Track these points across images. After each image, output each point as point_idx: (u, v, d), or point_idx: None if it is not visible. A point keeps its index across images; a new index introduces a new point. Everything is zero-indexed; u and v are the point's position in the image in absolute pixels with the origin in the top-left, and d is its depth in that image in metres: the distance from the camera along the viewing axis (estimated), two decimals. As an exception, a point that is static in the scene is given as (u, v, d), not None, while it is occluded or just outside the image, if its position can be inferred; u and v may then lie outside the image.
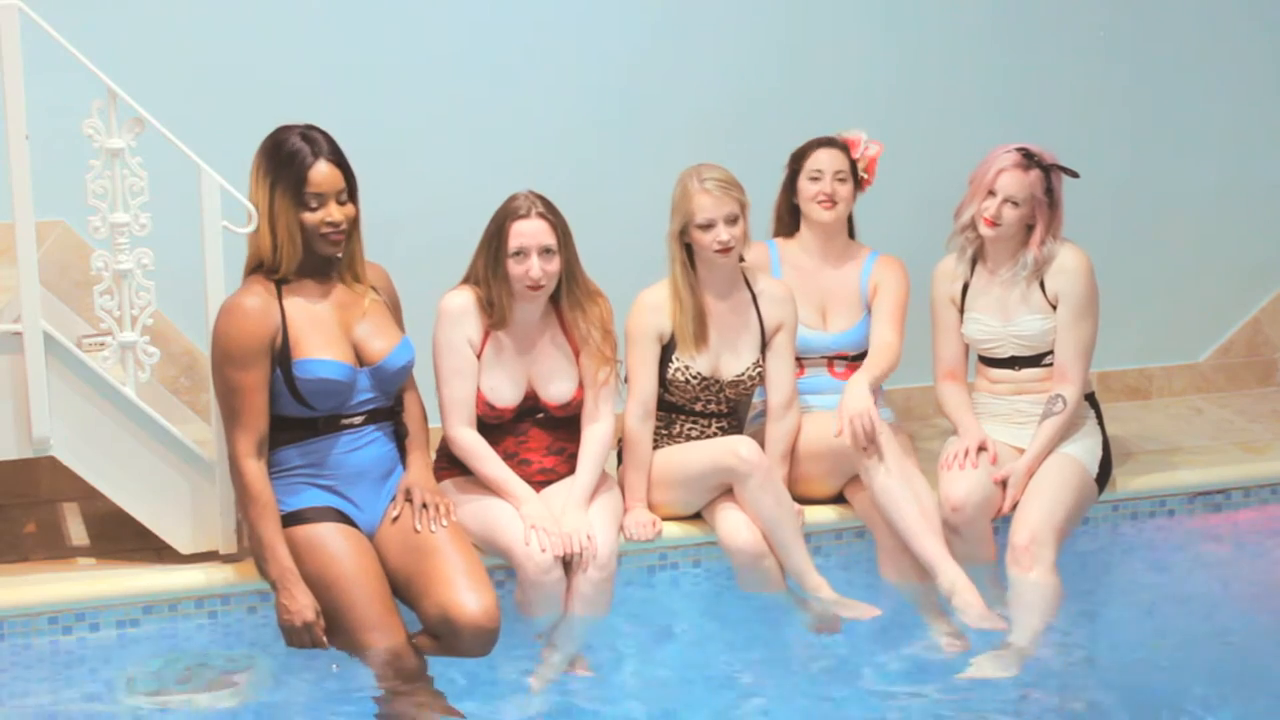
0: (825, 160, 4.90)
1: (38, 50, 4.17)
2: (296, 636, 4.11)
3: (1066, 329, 4.82)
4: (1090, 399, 4.97)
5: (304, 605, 4.10)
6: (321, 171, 4.18)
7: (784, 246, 5.06)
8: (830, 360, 5.01)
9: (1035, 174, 4.75)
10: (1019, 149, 4.77)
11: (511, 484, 4.46)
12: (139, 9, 5.05)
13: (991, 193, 4.77)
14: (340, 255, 4.29)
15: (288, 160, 4.18)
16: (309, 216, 4.20)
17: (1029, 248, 4.80)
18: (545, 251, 4.40)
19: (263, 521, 4.16)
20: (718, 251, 4.59)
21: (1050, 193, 4.78)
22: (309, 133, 4.22)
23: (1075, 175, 4.84)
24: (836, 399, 4.90)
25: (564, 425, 4.60)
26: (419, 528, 4.23)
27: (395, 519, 4.28)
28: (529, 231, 4.39)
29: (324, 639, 4.11)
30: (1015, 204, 4.75)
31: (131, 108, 4.21)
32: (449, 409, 4.48)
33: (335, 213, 4.21)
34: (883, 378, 4.87)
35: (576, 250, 4.51)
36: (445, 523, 4.26)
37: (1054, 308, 4.83)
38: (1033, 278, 4.82)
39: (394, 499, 4.33)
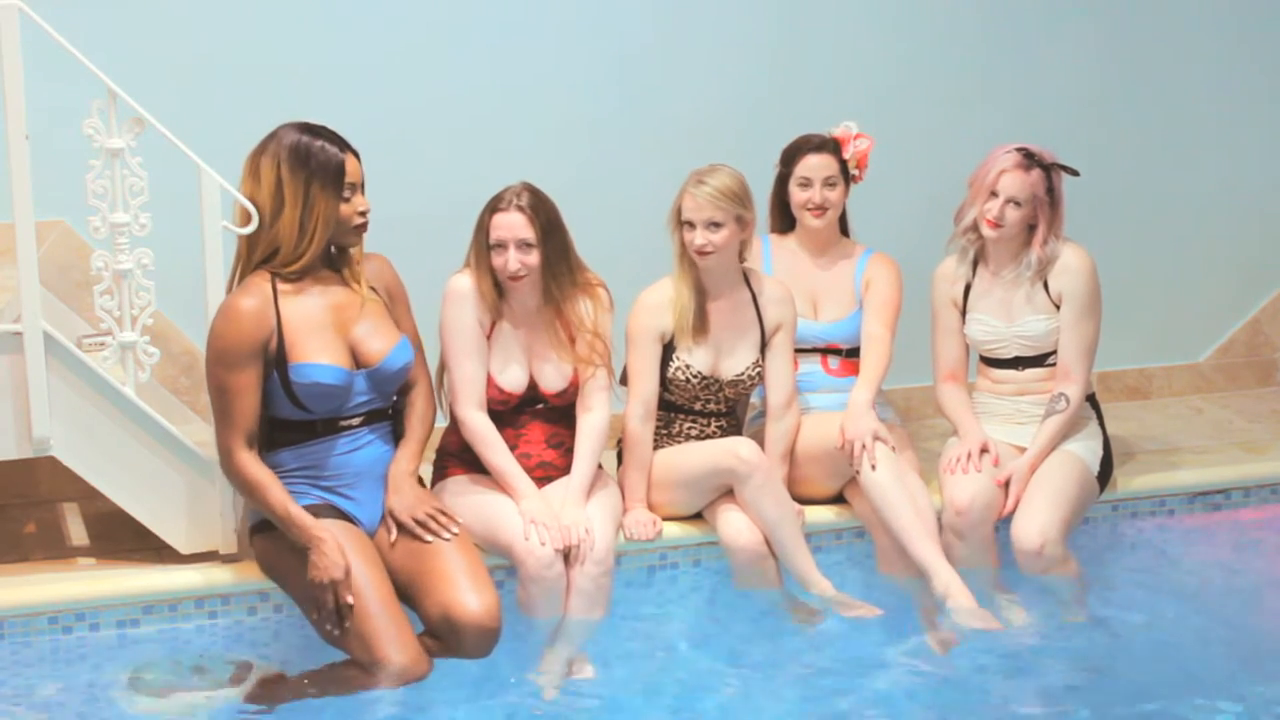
0: (814, 167, 4.89)
1: (38, 50, 4.17)
2: (326, 592, 4.06)
3: (1070, 328, 4.82)
4: (1091, 400, 4.97)
5: (335, 562, 4.07)
6: (353, 162, 4.24)
7: (777, 242, 5.06)
8: (824, 354, 5.01)
9: (1036, 174, 4.75)
10: (1019, 149, 4.77)
11: (515, 478, 4.47)
12: (139, 9, 5.05)
13: (993, 194, 4.77)
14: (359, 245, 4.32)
15: (320, 155, 4.18)
16: (344, 209, 4.22)
17: (1032, 248, 4.80)
18: (523, 245, 4.41)
19: (271, 497, 4.14)
20: (694, 252, 4.60)
21: (1051, 192, 4.78)
22: (320, 128, 4.24)
23: (1075, 174, 4.84)
24: (833, 398, 4.91)
25: (563, 418, 4.60)
26: (429, 539, 4.20)
27: (393, 545, 4.24)
28: (506, 224, 4.42)
29: (348, 597, 4.06)
30: (1017, 204, 4.75)
31: (131, 108, 4.21)
32: (459, 389, 4.48)
33: (364, 201, 4.26)
34: (881, 382, 4.86)
35: (569, 242, 4.51)
36: (456, 530, 4.24)
37: (1057, 307, 4.84)
38: (1036, 278, 4.82)
39: (384, 519, 4.30)
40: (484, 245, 4.45)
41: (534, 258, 4.43)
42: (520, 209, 4.43)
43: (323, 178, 4.18)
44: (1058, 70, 5.89)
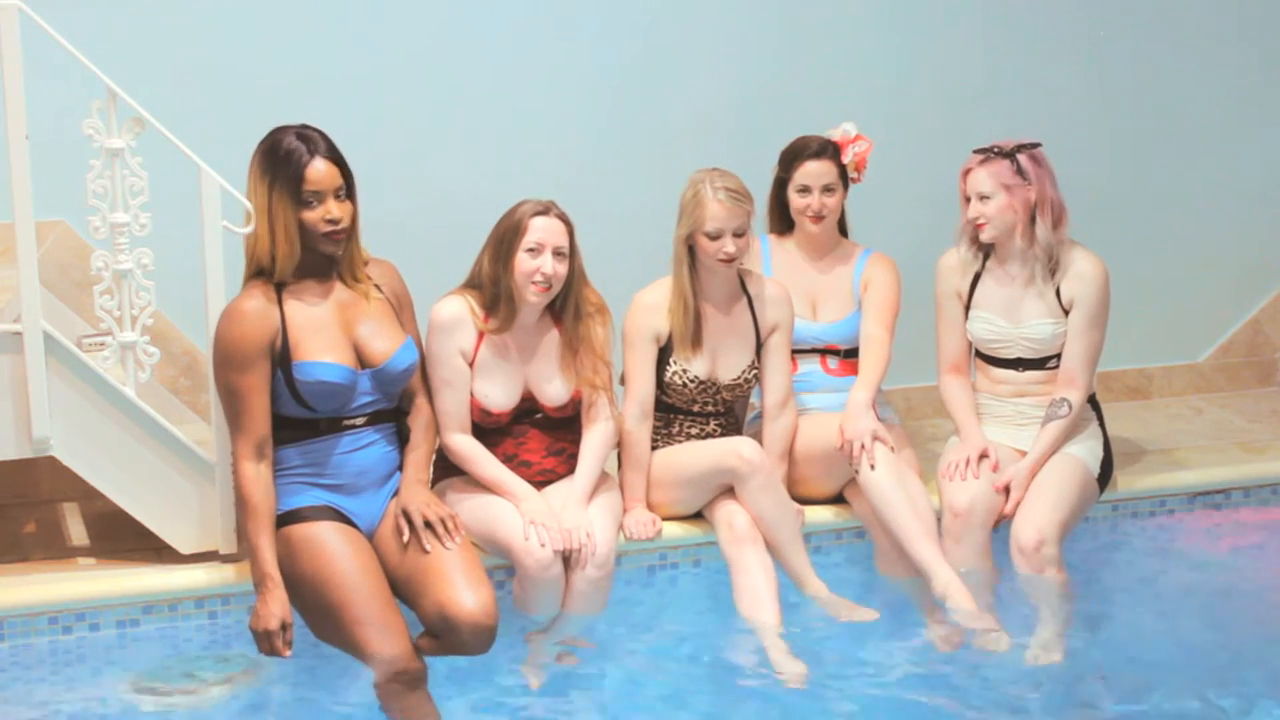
0: (813, 174, 4.88)
1: (38, 50, 4.17)
2: (262, 641, 4.09)
3: (1077, 335, 4.81)
4: (1092, 401, 4.96)
5: (272, 613, 4.06)
6: (319, 169, 4.18)
7: (776, 242, 5.06)
8: (823, 354, 5.01)
9: (998, 164, 4.74)
10: (981, 147, 4.78)
11: (510, 483, 4.46)
12: (139, 9, 5.05)
13: (967, 198, 4.79)
14: (340, 254, 4.28)
15: (285, 159, 4.17)
16: (308, 215, 4.19)
17: (1036, 241, 4.77)
18: (559, 253, 4.40)
19: (250, 524, 4.14)
20: (720, 261, 4.60)
21: (1022, 174, 4.75)
22: (305, 131, 4.22)
23: (1037, 145, 4.80)
24: (832, 398, 4.91)
25: (563, 426, 4.60)
26: (429, 548, 4.19)
27: (406, 544, 4.23)
28: (548, 229, 4.40)
29: (285, 651, 4.07)
30: (986, 197, 4.74)
31: (131, 108, 4.21)
32: (441, 418, 4.48)
33: (334, 209, 4.20)
34: (880, 383, 4.87)
35: (583, 266, 4.51)
36: (458, 539, 4.23)
37: (1066, 313, 4.83)
38: (1046, 268, 4.79)
39: (393, 518, 4.29)
40: (512, 248, 4.39)
41: (565, 268, 4.42)
42: (559, 217, 4.43)
43: (282, 184, 4.16)
44: (1058, 70, 5.90)
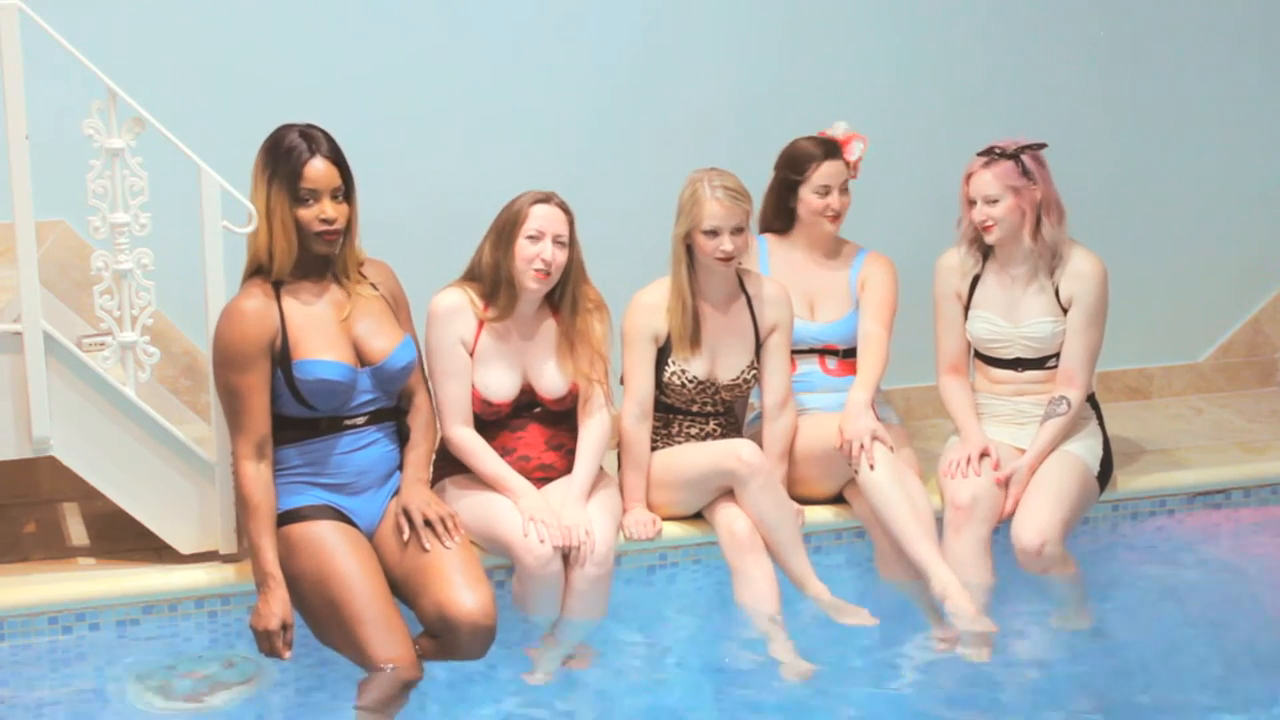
0: (830, 175, 4.89)
1: (38, 50, 4.17)
2: (262, 641, 4.10)
3: (1076, 334, 4.82)
4: (1091, 400, 4.97)
5: (273, 613, 4.08)
6: (317, 168, 4.18)
7: (774, 243, 5.06)
8: (821, 354, 5.01)
9: (1003, 165, 4.74)
10: (982, 150, 4.77)
11: (510, 479, 4.47)
12: (139, 9, 5.05)
13: (972, 201, 4.78)
14: (335, 254, 4.28)
15: (285, 156, 4.18)
16: (303, 213, 4.20)
17: (1042, 240, 4.77)
18: (558, 240, 4.42)
19: (251, 524, 4.15)
20: (718, 259, 4.60)
21: (1027, 174, 4.76)
22: (309, 130, 4.23)
23: (1043, 145, 4.81)
24: (831, 398, 4.91)
25: (562, 420, 4.60)
26: (428, 547, 4.20)
27: (406, 542, 4.25)
28: (549, 216, 4.42)
29: (285, 652, 4.09)
30: (993, 200, 4.74)
31: (131, 108, 4.21)
32: (444, 410, 4.49)
33: (329, 209, 4.20)
34: (878, 382, 4.87)
35: (583, 260, 4.52)
36: (457, 539, 4.24)
37: (1065, 311, 4.83)
38: (1049, 266, 4.79)
39: (393, 517, 4.30)
40: (513, 235, 4.42)
41: (564, 257, 4.43)
42: (560, 206, 4.46)
43: (280, 179, 4.17)
44: (1058, 70, 5.90)
